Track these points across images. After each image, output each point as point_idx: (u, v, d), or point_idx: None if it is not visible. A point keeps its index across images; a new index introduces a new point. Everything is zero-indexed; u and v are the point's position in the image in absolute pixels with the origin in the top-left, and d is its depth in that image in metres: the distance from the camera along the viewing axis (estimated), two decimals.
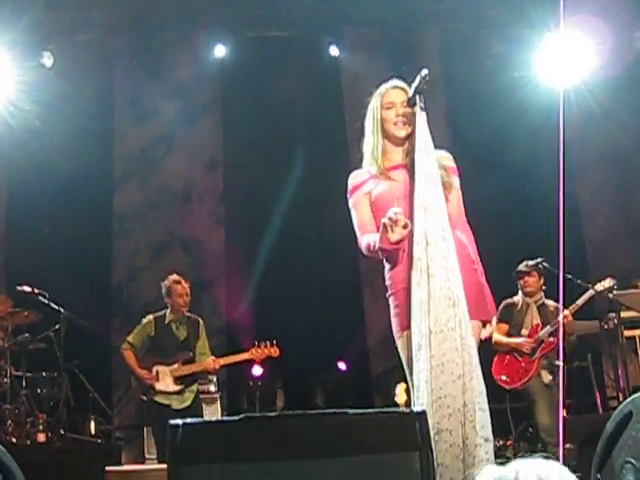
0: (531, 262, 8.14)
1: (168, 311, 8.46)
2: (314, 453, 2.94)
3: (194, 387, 8.35)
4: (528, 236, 10.66)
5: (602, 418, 7.29)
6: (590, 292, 8.04)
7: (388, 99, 4.62)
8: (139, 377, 8.26)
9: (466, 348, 4.12)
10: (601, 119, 11.56)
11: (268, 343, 8.33)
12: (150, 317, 8.50)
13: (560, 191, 4.76)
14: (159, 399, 8.14)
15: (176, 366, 8.21)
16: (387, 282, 4.57)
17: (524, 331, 8.21)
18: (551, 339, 8.02)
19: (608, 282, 8.08)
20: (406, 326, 4.33)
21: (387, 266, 4.56)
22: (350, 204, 4.69)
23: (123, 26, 11.81)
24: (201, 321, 8.59)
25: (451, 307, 4.15)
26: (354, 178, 4.70)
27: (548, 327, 8.04)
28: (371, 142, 4.67)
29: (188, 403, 8.21)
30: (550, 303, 8.29)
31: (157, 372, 8.20)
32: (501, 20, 11.72)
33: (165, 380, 8.17)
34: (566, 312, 7.87)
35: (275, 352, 8.31)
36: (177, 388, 8.15)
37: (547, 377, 8.02)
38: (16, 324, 9.08)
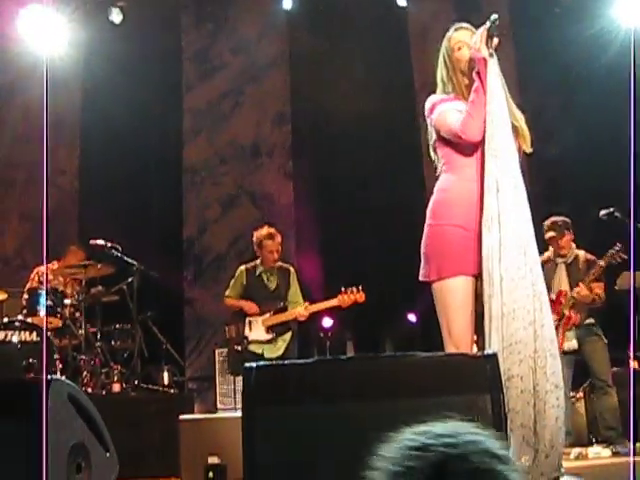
0: (604, 211, 7.97)
1: (259, 262, 8.53)
2: (386, 394, 2.96)
3: (287, 336, 8.38)
4: (601, 185, 10.53)
5: None
6: (599, 265, 7.81)
7: (456, 40, 4.55)
8: (245, 310, 8.36)
9: (537, 295, 4.11)
10: None
11: (354, 289, 8.34)
12: (242, 268, 8.60)
13: (631, 138, 4.69)
14: (252, 348, 8.23)
15: (267, 315, 8.28)
16: (437, 210, 4.49)
17: (550, 295, 8.01)
18: (572, 313, 7.80)
19: (614, 252, 7.79)
20: (460, 269, 4.31)
21: (441, 194, 4.49)
22: (435, 114, 4.51)
23: None
24: (292, 269, 8.62)
25: (522, 255, 4.14)
26: (433, 98, 4.59)
27: (569, 299, 7.80)
28: (446, 76, 4.59)
29: (281, 352, 8.28)
30: (581, 255, 8.04)
31: (249, 322, 8.30)
32: None
33: (258, 329, 8.26)
34: (581, 286, 7.73)
35: (361, 297, 8.31)
36: (269, 337, 8.23)
37: (570, 344, 7.76)
38: (89, 277, 9.21)
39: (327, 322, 10.70)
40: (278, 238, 8.53)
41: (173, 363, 10.07)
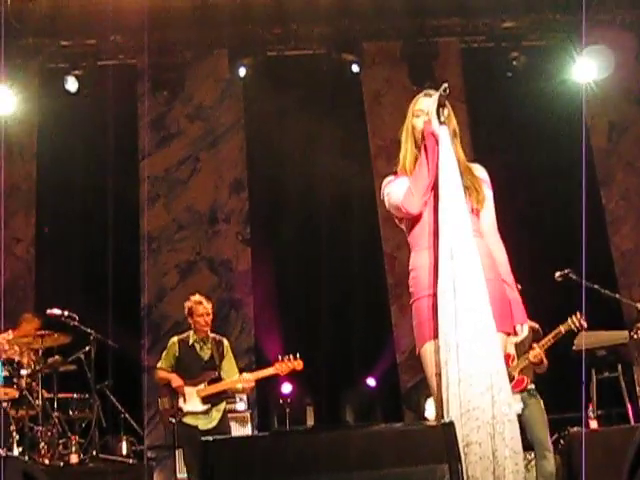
0: (559, 273, 8.04)
1: (192, 332, 8.47)
2: (344, 466, 2.96)
3: (221, 406, 8.33)
4: (554, 248, 10.66)
5: (634, 429, 7.26)
6: (559, 330, 7.87)
7: (418, 107, 4.60)
8: (172, 383, 8.26)
9: (493, 360, 4.12)
10: (625, 127, 11.55)
11: (291, 356, 8.34)
12: (174, 339, 8.51)
13: (583, 200, 4.76)
14: (187, 420, 8.13)
15: (202, 386, 8.20)
16: (411, 289, 4.54)
17: None
18: (521, 376, 7.82)
19: (577, 319, 7.85)
20: (431, 335, 4.33)
21: (411, 273, 4.55)
22: (386, 192, 4.59)
23: (144, 49, 11.92)
24: (225, 341, 8.56)
25: (478, 321, 4.15)
26: (385, 181, 4.65)
27: (518, 361, 7.83)
28: (403, 150, 4.65)
29: (215, 423, 8.17)
30: None
31: (184, 394, 8.21)
32: (519, 32, 11.73)
33: (192, 401, 8.17)
34: (537, 349, 7.79)
35: (299, 365, 8.31)
36: (204, 408, 8.14)
37: (517, 407, 7.76)
38: (46, 346, 9.13)
39: (286, 388, 10.65)
40: (208, 304, 8.48)
41: (132, 432, 9.96)
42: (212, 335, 8.52)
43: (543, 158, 11.15)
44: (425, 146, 4.40)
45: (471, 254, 4.22)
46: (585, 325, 7.70)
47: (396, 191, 4.51)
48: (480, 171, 4.66)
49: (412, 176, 4.45)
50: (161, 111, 12.18)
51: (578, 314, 7.70)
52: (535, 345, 7.81)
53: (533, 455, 8.28)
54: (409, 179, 4.47)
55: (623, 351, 9.47)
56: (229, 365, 8.43)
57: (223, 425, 8.31)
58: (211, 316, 8.47)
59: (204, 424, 8.13)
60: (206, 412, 8.17)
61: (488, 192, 4.62)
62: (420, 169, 4.41)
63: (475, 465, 3.97)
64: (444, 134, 4.39)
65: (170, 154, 12.11)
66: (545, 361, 7.85)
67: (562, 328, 7.81)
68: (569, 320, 7.77)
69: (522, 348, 7.87)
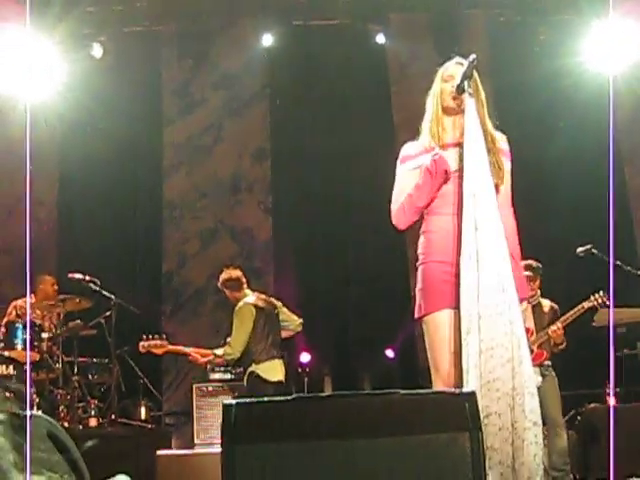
0: (581, 248, 8.01)
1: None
2: (364, 433, 2.96)
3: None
4: (576, 223, 10.62)
5: None
6: (582, 306, 7.84)
7: (448, 72, 4.58)
8: None
9: (515, 332, 4.13)
10: None
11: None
12: None
13: (610, 177, 4.72)
14: None
15: None
16: (420, 250, 4.55)
17: None
18: (540, 350, 7.84)
19: (599, 296, 7.82)
20: (440, 304, 4.34)
21: (424, 235, 4.54)
22: (397, 173, 4.64)
23: (170, 16, 11.92)
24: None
25: (500, 292, 4.15)
26: (407, 149, 4.66)
27: (537, 335, 7.84)
28: (430, 115, 4.64)
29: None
30: (545, 303, 8.06)
31: None
32: (547, 6, 11.66)
33: None
34: (558, 324, 7.78)
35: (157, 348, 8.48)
36: None
37: (535, 379, 7.79)
38: (68, 310, 9.20)
39: (305, 357, 10.69)
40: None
41: (150, 398, 10.03)
42: None
43: (567, 134, 11.09)
44: (430, 173, 4.39)
45: (496, 226, 4.22)
46: (608, 302, 7.68)
47: (398, 189, 4.60)
48: (502, 142, 4.65)
49: (408, 195, 4.47)
50: (186, 78, 12.17)
51: (601, 292, 7.68)
52: (557, 323, 7.81)
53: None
54: (407, 195, 4.50)
55: None
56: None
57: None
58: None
59: None
60: None
61: (507, 164, 4.63)
62: (420, 192, 4.43)
63: (494, 436, 3.99)
64: (470, 105, 4.38)
65: (194, 122, 12.10)
66: (564, 339, 7.86)
67: (585, 304, 7.79)
68: (592, 297, 7.76)
69: (541, 324, 7.88)
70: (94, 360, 9.45)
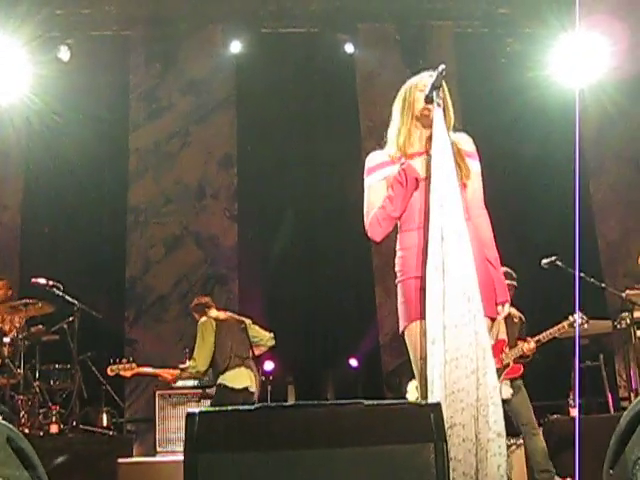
0: (545, 260, 8.04)
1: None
2: (328, 443, 2.95)
3: None
4: (541, 235, 10.68)
5: (614, 418, 7.28)
6: (562, 325, 7.89)
7: (423, 82, 4.52)
8: None
9: (480, 343, 4.12)
10: (616, 118, 11.56)
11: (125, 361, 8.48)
12: None
13: (576, 190, 4.73)
14: None
15: None
16: (397, 268, 4.53)
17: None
18: (517, 364, 7.84)
19: (576, 317, 7.86)
20: (414, 316, 4.33)
21: (398, 253, 4.55)
22: (365, 185, 4.61)
23: (138, 21, 11.88)
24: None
25: (465, 302, 4.15)
26: (372, 160, 4.63)
27: (513, 350, 7.87)
28: (397, 124, 4.61)
29: None
30: (514, 313, 8.00)
31: None
32: (515, 19, 11.74)
33: None
34: (532, 343, 7.83)
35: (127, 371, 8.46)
36: None
37: (507, 392, 7.85)
38: (30, 315, 9.13)
39: (268, 365, 10.65)
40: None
41: (112, 404, 9.96)
42: None
43: (534, 146, 11.16)
44: (401, 183, 4.38)
45: (462, 236, 4.21)
46: (587, 321, 7.77)
47: (370, 200, 4.57)
48: (466, 143, 4.63)
49: (381, 207, 4.46)
50: (153, 83, 12.13)
51: (580, 312, 7.73)
52: (530, 339, 7.86)
53: (514, 440, 8.36)
54: (380, 207, 4.48)
55: (606, 341, 9.53)
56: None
57: None
58: None
59: None
60: None
61: (474, 165, 4.60)
62: (393, 203, 4.41)
63: (458, 447, 3.98)
64: (439, 116, 4.38)
65: (160, 127, 12.06)
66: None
67: (565, 324, 7.83)
68: (570, 317, 7.79)
69: (512, 334, 7.92)
70: (56, 366, 9.35)
